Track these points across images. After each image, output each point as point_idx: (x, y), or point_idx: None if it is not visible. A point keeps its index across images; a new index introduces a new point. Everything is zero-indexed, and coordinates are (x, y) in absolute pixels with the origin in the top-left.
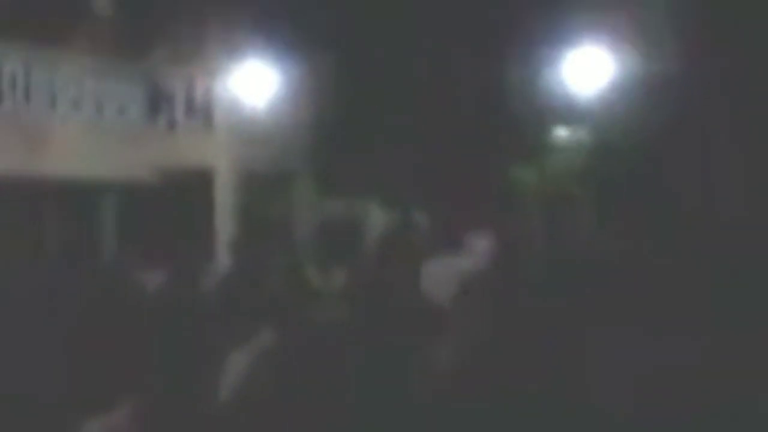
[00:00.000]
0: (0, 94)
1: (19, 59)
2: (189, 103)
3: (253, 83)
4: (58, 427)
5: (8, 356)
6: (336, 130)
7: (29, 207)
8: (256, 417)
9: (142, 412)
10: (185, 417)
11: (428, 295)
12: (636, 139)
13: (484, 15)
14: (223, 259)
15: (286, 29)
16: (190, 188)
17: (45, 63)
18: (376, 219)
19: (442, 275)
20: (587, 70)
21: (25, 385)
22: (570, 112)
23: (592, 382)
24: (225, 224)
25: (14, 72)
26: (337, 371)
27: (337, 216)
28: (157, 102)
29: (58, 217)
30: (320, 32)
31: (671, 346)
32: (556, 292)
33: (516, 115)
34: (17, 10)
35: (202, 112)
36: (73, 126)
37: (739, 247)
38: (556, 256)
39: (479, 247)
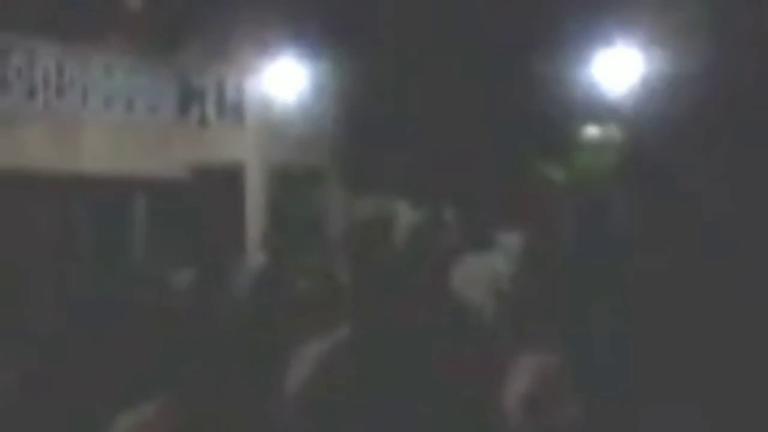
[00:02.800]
0: (33, 90)
1: (51, 55)
2: (220, 100)
3: (284, 80)
4: (90, 426)
5: (42, 353)
6: (366, 127)
7: (61, 203)
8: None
9: (173, 409)
10: (210, 415)
11: (459, 293)
12: (666, 137)
13: (515, 12)
14: (254, 256)
15: (317, 26)
16: (221, 185)
17: (77, 59)
18: (406, 217)
19: (472, 273)
20: (618, 67)
21: (58, 383)
22: (600, 110)
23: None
24: (256, 222)
25: (47, 68)
26: (365, 373)
27: (367, 213)
28: (188, 99)
29: (89, 214)
30: (351, 29)
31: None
32: (585, 289)
33: (547, 113)
34: (50, 7)
35: (233, 109)
36: (104, 123)
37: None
38: (586, 253)
39: (509, 245)
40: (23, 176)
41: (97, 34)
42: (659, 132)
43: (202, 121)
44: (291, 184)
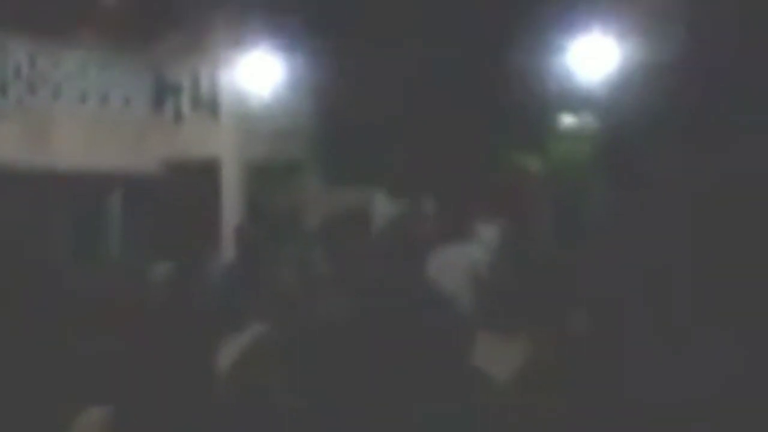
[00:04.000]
0: (5, 85)
1: (24, 50)
2: (195, 95)
3: (260, 73)
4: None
5: (12, 352)
6: (343, 119)
7: (34, 199)
8: (248, 408)
9: (139, 406)
10: (182, 411)
11: (435, 283)
12: (641, 127)
13: (489, 2)
14: (230, 250)
15: (293, 19)
16: (196, 180)
17: (50, 54)
18: (384, 208)
19: (450, 263)
20: (593, 56)
21: (27, 381)
22: (576, 99)
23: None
24: (232, 215)
25: (19, 63)
26: (342, 362)
27: (344, 205)
28: (162, 93)
29: (63, 210)
30: (325, 21)
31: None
32: (562, 279)
33: (522, 103)
34: (22, 1)
35: (208, 103)
36: (78, 118)
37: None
38: (562, 244)
39: (487, 236)
40: None
41: (69, 28)
42: (635, 121)
43: (177, 115)
44: (267, 178)
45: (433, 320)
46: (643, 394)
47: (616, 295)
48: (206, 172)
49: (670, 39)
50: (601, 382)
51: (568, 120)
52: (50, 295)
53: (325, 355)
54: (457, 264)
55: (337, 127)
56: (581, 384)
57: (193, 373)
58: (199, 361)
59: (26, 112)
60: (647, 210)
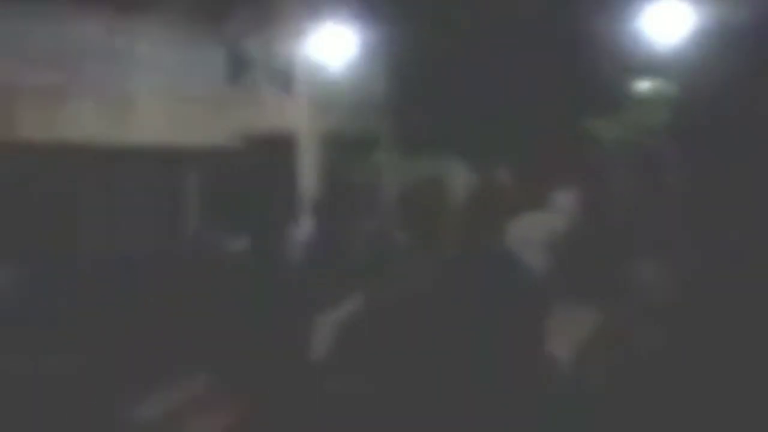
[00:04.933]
0: (82, 61)
1: (100, 26)
2: (269, 68)
3: (334, 45)
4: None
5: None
6: (418, 90)
7: (113, 176)
8: (345, 383)
9: (227, 379)
10: (271, 381)
11: (514, 252)
12: (719, 92)
13: None
14: (308, 223)
15: None
16: (273, 154)
17: (126, 30)
18: (460, 178)
19: (528, 232)
20: (669, 20)
21: (105, 346)
22: (652, 65)
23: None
24: (309, 189)
25: (96, 40)
26: (427, 335)
27: (422, 176)
28: (237, 67)
29: (141, 186)
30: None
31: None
32: (634, 246)
33: (598, 69)
34: None
35: (283, 76)
36: (154, 94)
37: None
38: (637, 212)
39: (565, 204)
40: (74, 150)
41: (144, 3)
42: (711, 86)
43: (252, 89)
44: (344, 150)
45: (513, 288)
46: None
47: (694, 262)
48: (282, 145)
49: (746, 3)
50: (672, 356)
51: (643, 85)
52: (128, 269)
53: (414, 323)
54: (536, 233)
55: (412, 98)
56: (653, 356)
57: (279, 347)
58: (284, 331)
59: (103, 90)
60: (722, 178)
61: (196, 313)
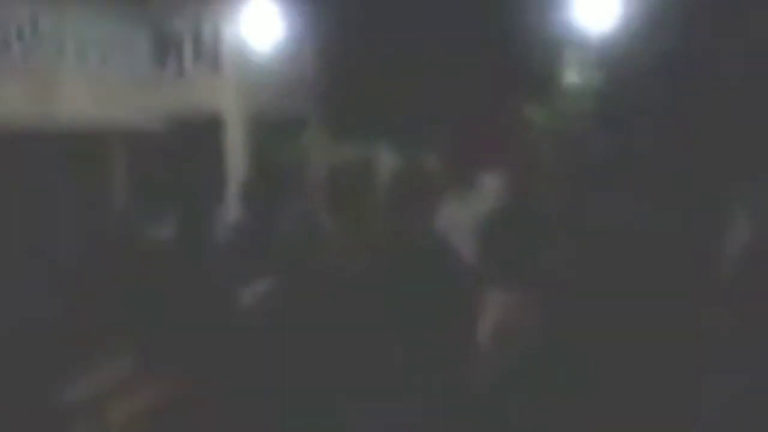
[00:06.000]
0: (7, 42)
1: (25, 6)
2: (197, 48)
3: (263, 25)
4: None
5: (16, 301)
6: (347, 72)
7: (38, 156)
8: (259, 357)
9: (152, 361)
10: (195, 364)
11: (443, 235)
12: (647, 78)
13: None
14: (235, 205)
15: None
16: (199, 135)
17: (51, 11)
18: (388, 161)
19: (455, 214)
20: (600, 9)
21: (28, 330)
22: (581, 51)
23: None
24: (236, 171)
25: (21, 20)
26: (348, 316)
27: (349, 159)
28: (164, 47)
29: (66, 166)
30: None
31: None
32: (560, 229)
33: (527, 55)
34: None
35: (210, 57)
36: (79, 73)
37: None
38: (565, 195)
39: (491, 187)
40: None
41: None
42: (640, 75)
43: (179, 70)
44: (271, 132)
45: (440, 271)
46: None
47: (614, 250)
48: (209, 126)
49: None
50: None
51: (572, 72)
52: (52, 251)
53: (334, 307)
54: (463, 216)
55: (341, 81)
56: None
57: (202, 326)
58: (209, 314)
59: (29, 70)
60: (645, 165)
61: (122, 296)
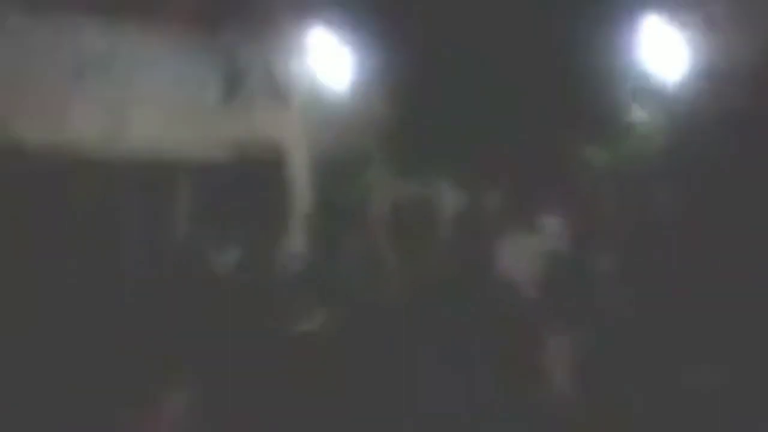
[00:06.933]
0: (80, 71)
1: (97, 36)
2: (265, 82)
3: (331, 62)
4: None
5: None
6: (411, 110)
7: (108, 185)
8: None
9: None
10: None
11: (503, 273)
12: (713, 124)
13: None
14: (298, 239)
15: (365, 7)
16: (266, 168)
17: (123, 39)
18: (450, 199)
19: (516, 255)
20: (665, 52)
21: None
22: (645, 94)
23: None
24: (301, 205)
25: (95, 48)
26: (409, 350)
27: (412, 197)
28: (233, 79)
29: (135, 195)
30: (399, 11)
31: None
32: (629, 274)
33: (591, 97)
34: None
35: (278, 91)
36: (148, 103)
37: None
38: (627, 238)
39: (551, 228)
40: (71, 156)
41: (142, 15)
42: (706, 121)
43: (247, 101)
44: (336, 168)
45: (500, 309)
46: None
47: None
48: (275, 160)
49: (745, 42)
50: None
51: (636, 116)
52: (119, 279)
53: (394, 341)
54: (523, 255)
55: (406, 119)
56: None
57: (262, 357)
58: (269, 346)
59: (101, 99)
60: (712, 208)
61: (185, 323)
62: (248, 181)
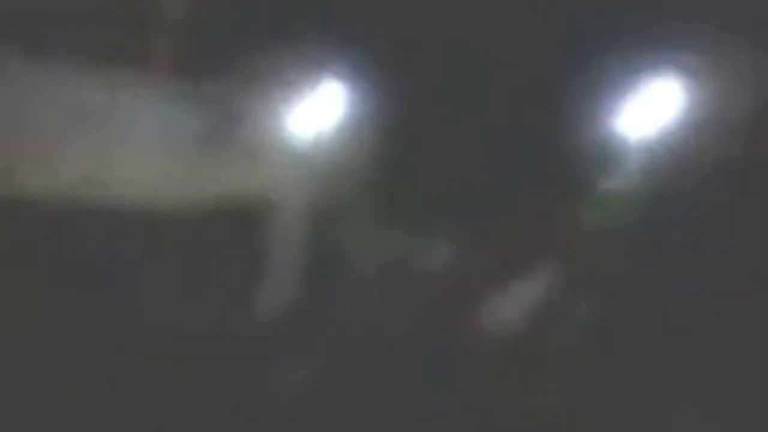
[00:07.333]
0: (64, 117)
1: (84, 81)
2: (249, 132)
3: (319, 110)
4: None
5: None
6: (400, 160)
7: (88, 230)
8: None
9: None
10: None
11: (494, 322)
12: (703, 182)
13: (546, 49)
14: (285, 288)
15: (351, 59)
16: (252, 219)
17: (108, 87)
18: (440, 248)
19: (506, 307)
20: (653, 107)
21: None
22: (633, 149)
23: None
24: (290, 255)
25: (79, 94)
26: (402, 400)
27: (401, 246)
28: (220, 128)
29: (116, 243)
30: (385, 65)
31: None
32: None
33: (577, 153)
34: (91, 37)
35: (264, 139)
36: (133, 151)
37: None
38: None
39: (542, 281)
40: (58, 203)
41: (128, 62)
42: (695, 181)
43: (233, 150)
44: (325, 217)
45: (486, 359)
46: None
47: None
48: (262, 208)
49: (734, 100)
50: None
51: (626, 172)
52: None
53: (386, 391)
54: (514, 308)
55: (395, 168)
56: None
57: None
58: (258, 400)
59: (83, 143)
60: (703, 268)
61: (173, 373)
62: (234, 232)
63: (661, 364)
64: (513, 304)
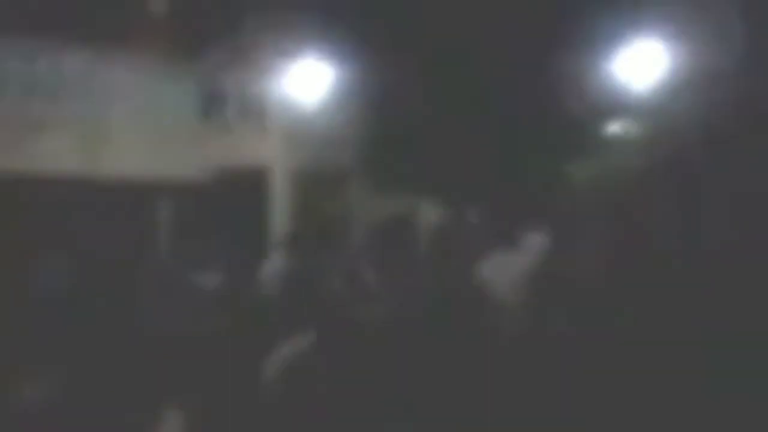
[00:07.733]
0: (59, 94)
1: (77, 60)
2: (243, 104)
3: (308, 82)
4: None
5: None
6: (391, 128)
7: (86, 207)
8: (298, 408)
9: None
10: (233, 411)
11: (483, 290)
12: (694, 135)
13: (538, 7)
14: (278, 258)
15: (340, 28)
16: (244, 188)
17: (102, 63)
18: (430, 216)
19: (496, 272)
20: (645, 64)
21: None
22: (626, 108)
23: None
24: (280, 224)
25: (73, 72)
26: (389, 366)
27: (392, 214)
28: (211, 103)
29: (114, 218)
30: (374, 31)
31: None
32: (609, 289)
33: (571, 111)
34: (76, 13)
35: (256, 112)
36: (129, 126)
37: None
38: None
39: (533, 243)
40: (50, 181)
41: (122, 39)
42: (686, 130)
43: (226, 123)
44: (315, 186)
45: (481, 323)
46: None
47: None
48: (255, 179)
49: (722, 48)
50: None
51: (617, 128)
52: (101, 301)
53: (375, 358)
54: (503, 272)
55: (384, 136)
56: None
57: (240, 376)
58: (247, 365)
59: (78, 122)
60: (694, 220)
61: (165, 344)
62: (228, 200)
63: (658, 322)
64: (504, 268)
